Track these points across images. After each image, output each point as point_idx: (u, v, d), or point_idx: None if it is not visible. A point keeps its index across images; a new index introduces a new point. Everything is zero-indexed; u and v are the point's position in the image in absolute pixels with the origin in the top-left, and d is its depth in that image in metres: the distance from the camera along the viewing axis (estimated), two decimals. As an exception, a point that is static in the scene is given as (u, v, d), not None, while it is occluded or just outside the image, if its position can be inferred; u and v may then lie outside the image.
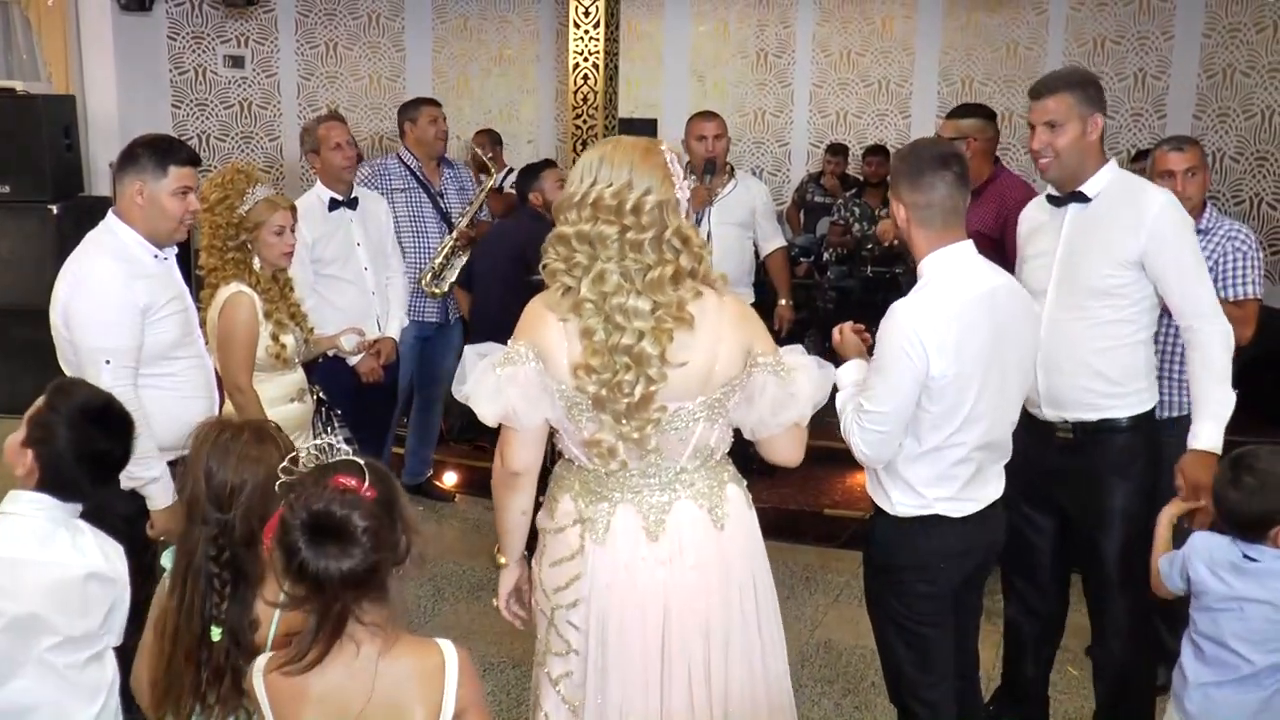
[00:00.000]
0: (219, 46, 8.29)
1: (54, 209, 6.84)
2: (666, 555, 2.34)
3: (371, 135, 8.66)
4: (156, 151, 3.13)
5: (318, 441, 1.93)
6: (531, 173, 5.17)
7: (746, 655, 2.42)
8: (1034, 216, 3.29)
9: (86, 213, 7.21)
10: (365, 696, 1.86)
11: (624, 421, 2.26)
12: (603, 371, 2.22)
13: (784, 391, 2.32)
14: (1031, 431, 3.14)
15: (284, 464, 1.92)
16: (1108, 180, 3.07)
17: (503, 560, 2.55)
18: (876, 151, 7.93)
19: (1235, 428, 3.70)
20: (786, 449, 2.43)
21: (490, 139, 7.81)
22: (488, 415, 2.28)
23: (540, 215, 4.85)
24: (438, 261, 5.32)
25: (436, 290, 5.32)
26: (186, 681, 2.10)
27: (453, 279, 5.36)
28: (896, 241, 3.80)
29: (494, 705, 3.79)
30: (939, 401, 2.58)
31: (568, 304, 2.27)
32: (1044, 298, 3.10)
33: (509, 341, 2.33)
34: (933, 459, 2.64)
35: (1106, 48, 7.91)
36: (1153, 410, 3.17)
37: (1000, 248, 3.80)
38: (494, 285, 4.91)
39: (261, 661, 1.96)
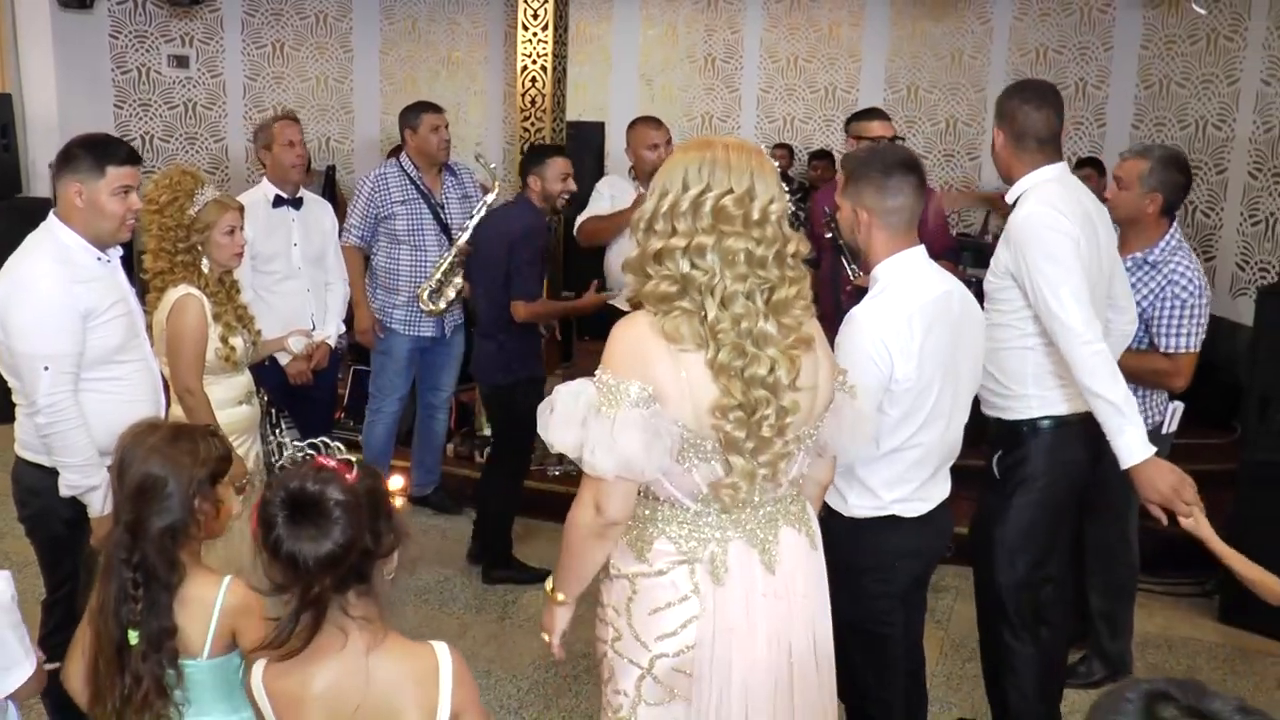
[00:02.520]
0: (163, 46, 8.19)
1: (-9, 210, 6.68)
2: (784, 588, 2.17)
3: (319, 138, 8.61)
4: (93, 151, 3.05)
5: (313, 440, 1.92)
6: (535, 157, 4.80)
7: (833, 670, 2.34)
8: None
9: (25, 214, 7.08)
10: (360, 694, 1.84)
11: (754, 458, 2.04)
12: (744, 408, 2.00)
13: (855, 410, 2.26)
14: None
15: (282, 460, 1.91)
16: (1025, 188, 3.08)
17: (561, 598, 2.27)
18: (822, 156, 8.03)
19: (1179, 431, 3.82)
20: (832, 470, 2.42)
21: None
22: (604, 468, 1.98)
23: (534, 207, 4.71)
24: (436, 278, 5.16)
25: (434, 307, 5.17)
26: (111, 686, 2.09)
27: (451, 295, 5.19)
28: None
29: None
30: (898, 405, 2.61)
31: (689, 331, 2.00)
32: None
33: (605, 375, 2.03)
34: (891, 461, 2.67)
35: (1049, 57, 8.06)
36: (1046, 417, 3.09)
37: None
38: (485, 277, 4.80)
39: (258, 669, 1.92)
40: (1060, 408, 3.07)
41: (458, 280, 5.20)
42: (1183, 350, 3.59)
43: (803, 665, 2.21)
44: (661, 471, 2.04)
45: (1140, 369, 3.50)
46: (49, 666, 2.30)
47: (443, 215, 5.22)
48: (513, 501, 4.98)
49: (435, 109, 5.28)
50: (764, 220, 2.01)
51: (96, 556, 2.23)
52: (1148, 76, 7.71)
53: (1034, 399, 3.07)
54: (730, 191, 2.00)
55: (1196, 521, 2.77)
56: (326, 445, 1.92)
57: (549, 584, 2.30)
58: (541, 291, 4.88)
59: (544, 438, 2.08)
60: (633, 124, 5.36)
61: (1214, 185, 7.08)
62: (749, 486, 2.06)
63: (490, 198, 5.25)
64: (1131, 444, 2.82)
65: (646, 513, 2.16)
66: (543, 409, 2.09)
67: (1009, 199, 3.11)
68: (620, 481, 2.02)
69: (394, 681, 1.86)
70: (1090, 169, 6.93)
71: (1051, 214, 2.94)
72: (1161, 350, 3.57)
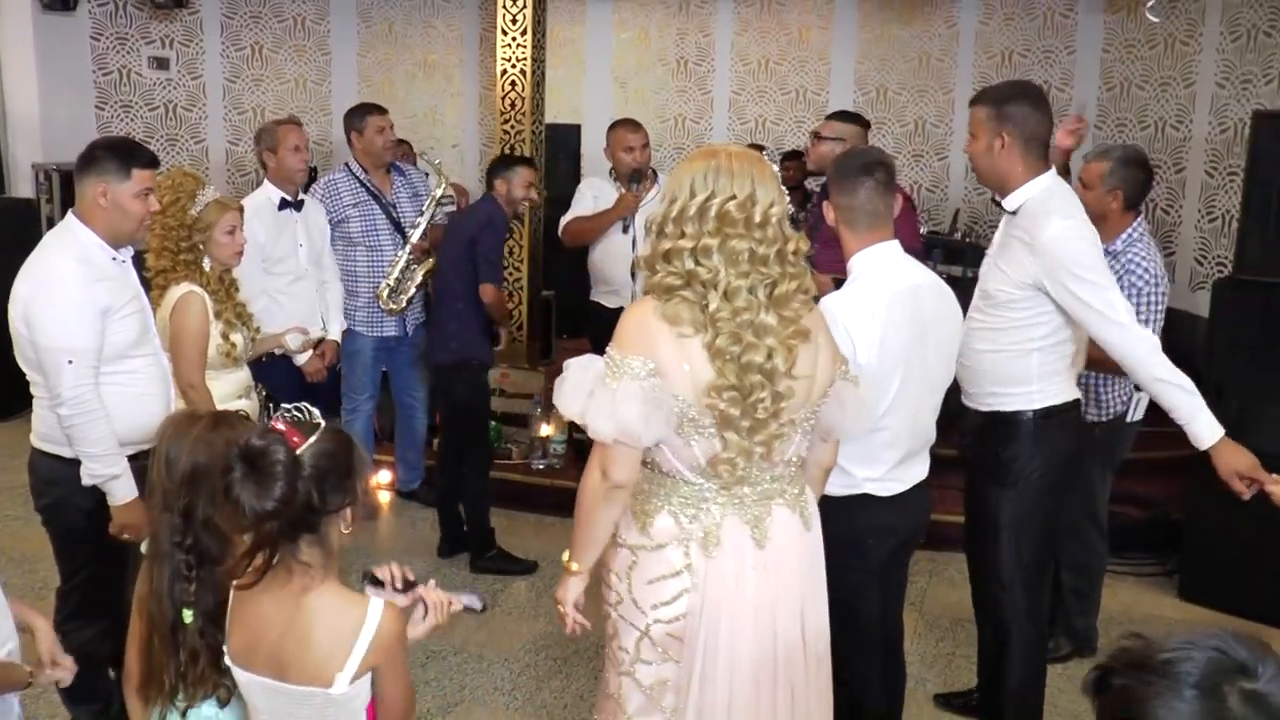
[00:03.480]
0: (144, 48, 8.25)
1: (-26, 210, 6.75)
2: (773, 562, 2.34)
3: (298, 138, 8.69)
4: (119, 154, 3.17)
5: (293, 405, 2.03)
6: (505, 164, 5.09)
7: (825, 645, 2.51)
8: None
9: (7, 214, 7.17)
10: (283, 626, 1.99)
11: (750, 437, 2.23)
12: (738, 390, 2.19)
13: (857, 398, 2.44)
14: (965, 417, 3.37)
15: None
16: (1029, 196, 3.11)
17: (575, 567, 2.43)
18: (793, 157, 8.17)
19: (1145, 420, 3.97)
20: (834, 455, 2.59)
21: (407, 148, 7.83)
22: (604, 432, 2.19)
23: (498, 206, 4.95)
24: (394, 276, 5.31)
25: (394, 306, 5.31)
26: (166, 663, 2.20)
27: (410, 293, 5.34)
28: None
29: (438, 690, 3.94)
30: (863, 388, 2.77)
31: (690, 318, 2.20)
32: None
33: (614, 351, 2.24)
34: (860, 441, 2.80)
35: (1014, 60, 8.28)
36: (1046, 408, 3.19)
37: None
38: (449, 272, 5.01)
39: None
40: (1059, 398, 3.21)
41: (417, 278, 5.35)
42: None
43: (789, 639, 2.38)
44: (659, 440, 2.23)
45: (1104, 357, 3.65)
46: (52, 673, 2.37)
47: (395, 214, 5.36)
48: (484, 493, 5.11)
49: (380, 110, 5.42)
50: (765, 222, 2.21)
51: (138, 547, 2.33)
52: (1109, 79, 7.94)
53: (1036, 393, 3.18)
54: (733, 197, 2.20)
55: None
56: (309, 411, 2.02)
57: (565, 555, 2.46)
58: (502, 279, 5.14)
59: (556, 405, 2.28)
60: (612, 126, 5.52)
61: (1173, 184, 7.32)
62: (745, 463, 2.25)
63: (439, 191, 5.43)
64: (1208, 425, 2.95)
65: (651, 486, 2.35)
66: (557, 381, 2.28)
67: (1010, 206, 3.14)
68: (622, 448, 2.21)
69: (315, 624, 1.99)
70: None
71: (1079, 225, 3.06)
72: None
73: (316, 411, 2.02)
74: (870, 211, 2.87)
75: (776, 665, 2.37)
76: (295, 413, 2.00)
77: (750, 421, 2.22)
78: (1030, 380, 3.18)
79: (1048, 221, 3.03)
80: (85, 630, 3.32)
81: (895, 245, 2.91)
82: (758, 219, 2.21)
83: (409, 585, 2.20)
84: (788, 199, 2.30)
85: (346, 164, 5.40)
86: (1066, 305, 3.03)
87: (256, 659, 2.04)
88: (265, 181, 4.92)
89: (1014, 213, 3.14)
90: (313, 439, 1.96)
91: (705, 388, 2.20)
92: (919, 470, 3.00)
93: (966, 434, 3.37)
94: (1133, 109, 7.75)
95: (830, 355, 2.39)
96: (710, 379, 2.20)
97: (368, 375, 5.49)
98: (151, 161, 3.24)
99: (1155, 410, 3.95)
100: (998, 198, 3.24)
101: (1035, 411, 3.18)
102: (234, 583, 2.04)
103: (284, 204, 4.85)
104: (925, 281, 2.92)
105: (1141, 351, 2.99)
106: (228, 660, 2.10)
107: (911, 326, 2.82)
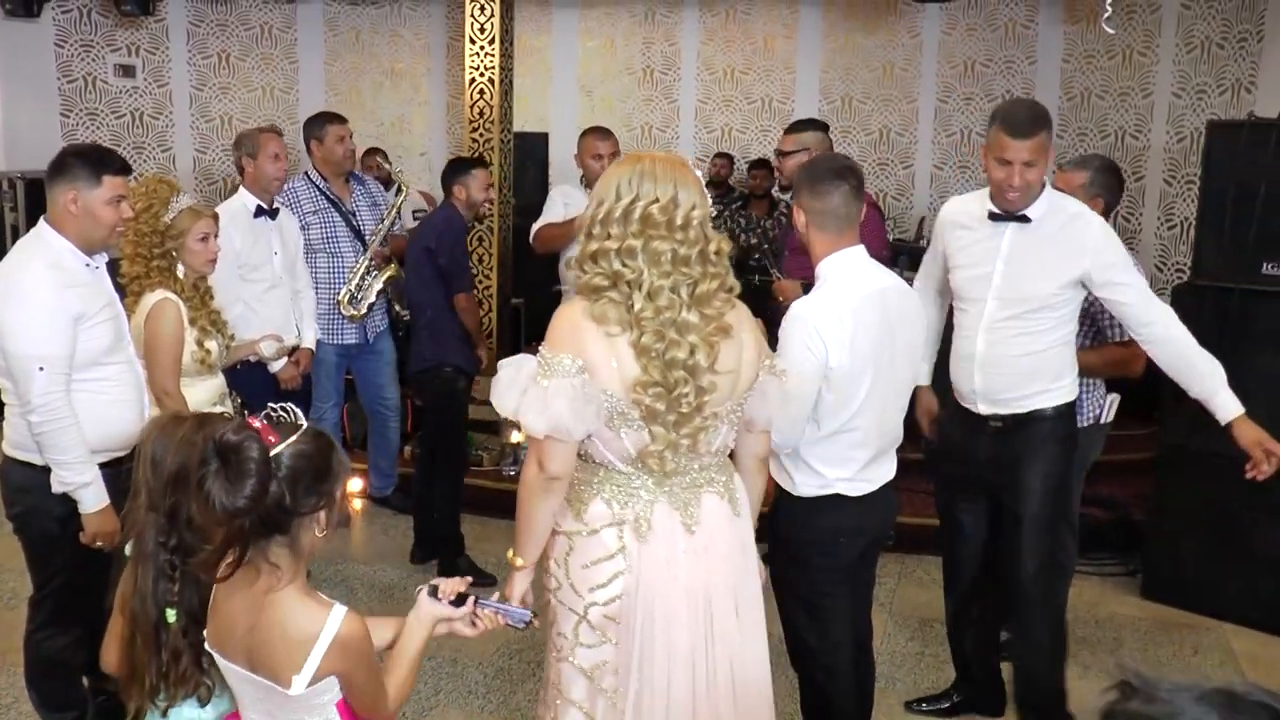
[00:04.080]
0: (109, 55, 8.23)
1: (-64, 217, 6.71)
2: (702, 546, 2.44)
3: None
4: (90, 161, 3.16)
5: (279, 405, 2.05)
6: (461, 168, 5.08)
7: (757, 627, 2.60)
8: (958, 223, 3.47)
9: (-28, 222, 7.12)
10: (246, 625, 2.02)
11: (676, 430, 2.33)
12: (662, 385, 2.29)
13: (782, 390, 2.55)
14: (965, 425, 3.47)
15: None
16: (1047, 204, 3.28)
17: (520, 562, 2.52)
18: (760, 165, 8.26)
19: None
20: (766, 444, 2.68)
21: (381, 157, 7.83)
22: (537, 427, 2.30)
23: (456, 211, 4.98)
24: (354, 283, 5.32)
25: (355, 312, 5.33)
26: (148, 663, 2.21)
27: (370, 300, 5.36)
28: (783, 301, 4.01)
29: (412, 695, 3.90)
30: (836, 389, 2.84)
31: (615, 317, 2.31)
32: (980, 305, 3.36)
33: (545, 350, 2.34)
34: (833, 441, 2.90)
35: (976, 70, 8.41)
36: (1074, 401, 3.44)
37: None
38: (411, 279, 5.06)
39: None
40: (1074, 391, 3.46)
41: (377, 284, 5.37)
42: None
43: (723, 620, 2.48)
44: (590, 433, 2.34)
45: (1102, 363, 3.77)
46: None
47: (355, 222, 5.38)
48: (454, 499, 5.11)
49: (340, 119, 5.44)
50: (687, 224, 2.31)
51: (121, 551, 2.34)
52: (1070, 89, 8.08)
53: (1068, 386, 3.41)
54: (656, 200, 2.30)
55: None
56: (293, 412, 2.04)
57: (510, 552, 2.55)
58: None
59: (493, 403, 2.37)
60: (582, 134, 5.56)
61: (1133, 192, 7.44)
62: (673, 455, 2.37)
63: (399, 197, 5.50)
64: (1231, 398, 3.21)
65: (585, 476, 2.47)
66: (494, 381, 2.38)
67: (1035, 215, 3.26)
68: (555, 442, 2.32)
69: (274, 625, 2.01)
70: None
71: (1104, 222, 3.34)
72: (1115, 340, 3.76)
73: (300, 413, 2.04)
74: (841, 216, 2.93)
75: (711, 647, 2.47)
76: (280, 413, 2.02)
77: (675, 415, 2.32)
78: (1065, 374, 3.39)
79: (1087, 222, 3.29)
80: (59, 639, 3.31)
81: (862, 250, 2.97)
82: (679, 221, 2.30)
83: (461, 599, 2.28)
84: (710, 202, 2.39)
85: (306, 173, 5.42)
86: (1109, 295, 3.28)
87: (230, 647, 2.07)
88: (241, 188, 4.91)
89: (1029, 220, 3.27)
90: (290, 439, 1.97)
91: (632, 384, 2.30)
92: (887, 470, 3.06)
93: (977, 439, 3.47)
94: (1093, 118, 7.88)
95: (755, 350, 2.48)
96: (637, 375, 2.30)
97: (331, 382, 5.49)
98: (123, 169, 3.23)
99: (1119, 413, 4.05)
100: (1006, 209, 3.29)
101: (1068, 404, 3.42)
102: (203, 576, 2.06)
103: (259, 211, 4.85)
104: (891, 285, 2.98)
105: (1181, 330, 3.26)
106: (207, 645, 2.12)
107: (880, 328, 2.88)
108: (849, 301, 2.86)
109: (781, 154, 4.76)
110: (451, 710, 3.89)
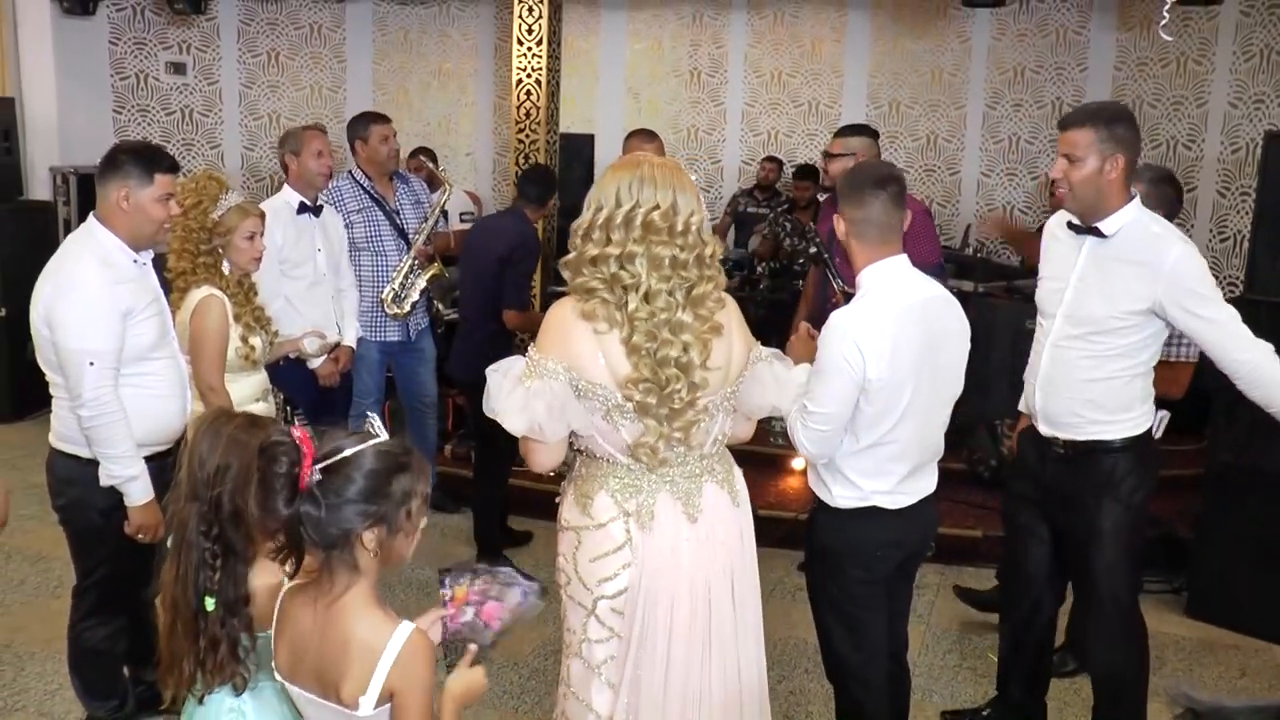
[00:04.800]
0: (161, 53, 8.33)
1: (-8, 212, 6.81)
2: (704, 535, 2.51)
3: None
4: (141, 159, 3.21)
5: (368, 414, 2.13)
6: (549, 185, 5.19)
7: (754, 615, 2.65)
8: (1054, 233, 3.35)
9: (26, 216, 7.23)
10: (317, 641, 2.01)
11: (668, 424, 2.40)
12: (654, 383, 2.35)
13: (787, 375, 2.61)
14: (1034, 445, 3.40)
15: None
16: (1128, 220, 3.12)
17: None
18: (804, 175, 8.14)
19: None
20: (750, 430, 2.73)
21: (427, 157, 7.90)
22: (516, 428, 2.37)
23: (526, 220, 5.01)
24: (398, 282, 5.34)
25: (399, 310, 5.35)
26: (187, 650, 2.23)
27: (414, 298, 5.38)
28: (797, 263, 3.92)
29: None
30: (874, 402, 2.80)
31: (605, 315, 2.36)
32: (1051, 321, 3.28)
33: (533, 353, 2.41)
34: (870, 454, 2.86)
35: (1026, 76, 8.31)
36: (1146, 432, 3.27)
37: None
38: (473, 284, 5.06)
39: (284, 589, 2.13)
40: (1148, 421, 3.31)
41: (420, 283, 5.40)
42: (1181, 359, 3.72)
43: (720, 607, 2.54)
44: (568, 434, 2.42)
45: None
46: None
47: (398, 220, 5.41)
48: (490, 500, 5.16)
49: (384, 119, 5.48)
50: (686, 230, 2.38)
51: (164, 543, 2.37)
52: (1121, 97, 7.95)
53: (1139, 418, 3.26)
54: (657, 206, 2.36)
55: None
56: (373, 423, 2.06)
57: None
58: (530, 301, 5.13)
59: (485, 410, 2.42)
60: (628, 137, 5.55)
61: (1185, 203, 7.26)
62: (665, 447, 2.43)
63: (445, 197, 5.52)
64: None
65: (590, 471, 2.54)
66: (486, 386, 2.43)
67: (1109, 231, 3.13)
68: (534, 442, 2.41)
69: (339, 638, 1.99)
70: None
71: (1193, 247, 3.12)
72: (1162, 359, 3.55)
73: (378, 423, 2.05)
74: (882, 224, 2.89)
75: (710, 633, 2.53)
76: (368, 424, 2.05)
77: (667, 410, 2.39)
78: (1134, 406, 3.24)
79: (1168, 245, 3.08)
80: (101, 629, 3.36)
81: (904, 259, 2.92)
82: (680, 227, 2.37)
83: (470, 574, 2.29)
84: (704, 206, 2.46)
85: (350, 171, 5.45)
86: (1186, 325, 3.08)
87: (300, 673, 2.06)
88: (285, 185, 4.95)
89: (1106, 236, 3.15)
90: (342, 454, 1.95)
91: (623, 380, 2.37)
92: (928, 483, 3.02)
93: (1043, 463, 3.39)
94: (1145, 127, 7.74)
95: (742, 343, 2.56)
96: (627, 372, 2.37)
97: (373, 379, 5.51)
98: (173, 167, 3.29)
99: (1167, 428, 3.98)
100: (1083, 221, 3.19)
101: (1135, 436, 3.25)
102: (284, 586, 2.09)
103: (303, 208, 4.88)
104: (934, 295, 2.93)
105: (1272, 360, 3.06)
106: (277, 676, 2.11)
107: (922, 340, 2.84)
108: (890, 312, 2.81)
109: (829, 155, 4.73)
110: (486, 711, 3.90)
